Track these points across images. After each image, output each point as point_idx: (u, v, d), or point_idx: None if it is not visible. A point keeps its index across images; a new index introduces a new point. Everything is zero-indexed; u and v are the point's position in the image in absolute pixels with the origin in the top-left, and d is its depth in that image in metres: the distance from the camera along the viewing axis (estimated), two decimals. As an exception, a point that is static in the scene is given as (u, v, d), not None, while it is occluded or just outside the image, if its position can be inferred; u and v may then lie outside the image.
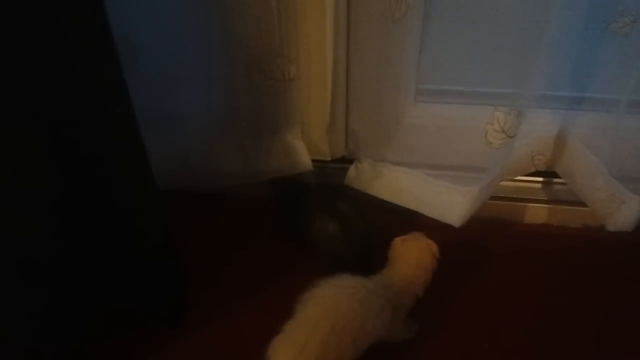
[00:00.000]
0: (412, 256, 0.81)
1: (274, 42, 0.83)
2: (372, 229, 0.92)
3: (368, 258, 0.90)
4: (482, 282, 0.94)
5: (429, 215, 0.91)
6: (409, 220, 0.94)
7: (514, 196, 1.00)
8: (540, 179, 0.98)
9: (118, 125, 0.68)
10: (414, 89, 0.94)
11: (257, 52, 0.84)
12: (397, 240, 0.82)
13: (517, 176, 0.96)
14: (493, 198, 0.93)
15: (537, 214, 1.02)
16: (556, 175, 0.96)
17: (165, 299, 0.90)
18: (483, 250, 0.99)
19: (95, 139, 0.70)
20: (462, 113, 0.92)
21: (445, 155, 0.92)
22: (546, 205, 1.00)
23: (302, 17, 0.82)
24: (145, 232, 0.81)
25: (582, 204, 0.93)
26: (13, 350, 0.72)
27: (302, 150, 0.96)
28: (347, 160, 0.99)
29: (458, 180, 0.89)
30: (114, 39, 0.61)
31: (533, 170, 0.94)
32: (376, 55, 0.84)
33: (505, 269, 0.96)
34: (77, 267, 0.79)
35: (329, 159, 0.98)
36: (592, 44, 0.82)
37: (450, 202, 0.88)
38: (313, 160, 0.97)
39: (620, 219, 0.87)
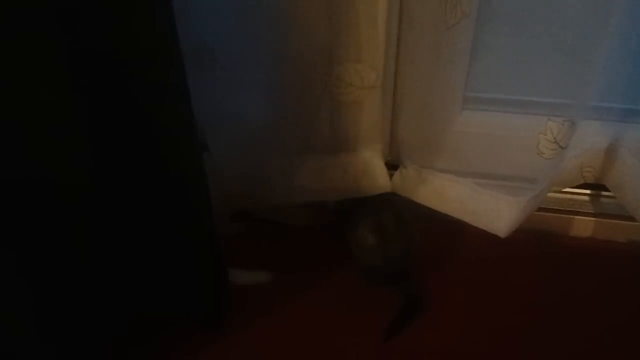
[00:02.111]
0: None
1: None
2: (411, 242, 0.91)
3: (405, 271, 0.91)
4: (524, 295, 0.93)
5: (475, 225, 0.90)
6: (455, 229, 0.94)
7: (560, 208, 0.98)
8: (588, 191, 0.96)
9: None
10: (462, 97, 0.93)
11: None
12: None
13: (565, 188, 0.94)
14: (538, 209, 0.91)
15: (582, 226, 1.00)
16: (603, 188, 0.95)
17: (207, 299, 0.90)
18: (525, 261, 0.97)
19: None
20: (510, 122, 0.92)
21: (492, 164, 0.90)
22: (592, 219, 0.99)
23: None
24: (189, 217, 0.78)
25: (630, 218, 0.92)
26: (45, 346, 0.72)
27: (381, 169, 0.93)
28: (391, 166, 0.98)
29: (505, 190, 0.87)
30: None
31: (582, 182, 0.92)
32: (426, 62, 0.83)
33: (549, 282, 0.95)
34: (115, 261, 0.77)
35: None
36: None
37: (497, 211, 0.87)
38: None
39: (671, 235, 0.86)
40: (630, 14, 0.73)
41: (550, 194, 0.93)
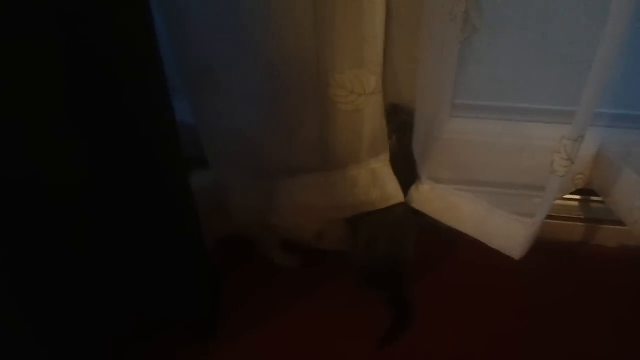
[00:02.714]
0: None
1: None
2: (402, 246, 0.92)
3: (395, 275, 0.92)
4: (517, 300, 0.94)
5: (489, 245, 0.89)
6: (450, 234, 0.93)
7: (551, 214, 0.97)
8: (577, 196, 0.97)
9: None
10: (451, 104, 0.94)
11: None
12: None
13: (560, 197, 0.95)
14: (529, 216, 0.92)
15: (573, 232, 1.01)
16: (592, 193, 0.96)
17: (198, 306, 0.89)
18: (517, 267, 0.97)
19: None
20: (499, 129, 0.92)
21: (489, 172, 0.91)
22: (582, 224, 1.00)
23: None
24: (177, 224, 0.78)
25: (620, 222, 0.93)
26: (40, 348, 0.71)
27: (391, 179, 0.90)
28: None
29: (502, 198, 0.88)
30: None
31: (574, 189, 0.93)
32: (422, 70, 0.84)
33: (541, 287, 0.96)
34: (111, 262, 0.76)
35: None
36: (634, 60, 0.83)
37: (512, 234, 0.86)
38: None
39: (661, 239, 0.87)
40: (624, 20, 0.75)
41: (539, 201, 0.94)
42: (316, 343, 0.89)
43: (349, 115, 0.84)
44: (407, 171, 0.92)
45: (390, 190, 0.91)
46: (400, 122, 0.90)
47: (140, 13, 0.60)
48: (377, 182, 0.90)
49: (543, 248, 0.99)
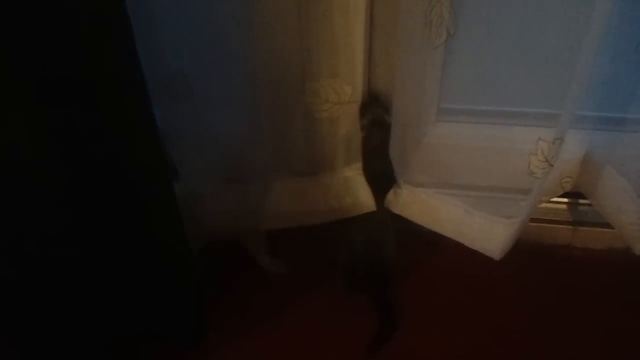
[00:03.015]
0: None
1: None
2: (384, 250, 0.91)
3: (379, 278, 0.92)
4: (503, 304, 0.93)
5: (469, 246, 0.89)
6: (436, 239, 0.93)
7: (538, 217, 0.98)
8: (565, 199, 0.96)
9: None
10: (436, 108, 0.92)
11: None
12: None
13: (546, 200, 0.94)
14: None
15: (561, 235, 1.00)
16: (581, 196, 0.95)
17: (183, 320, 0.88)
18: (504, 270, 0.96)
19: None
20: (485, 133, 0.90)
21: (470, 176, 0.89)
22: (570, 227, 0.99)
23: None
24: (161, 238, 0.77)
25: (607, 225, 0.92)
26: None
27: (364, 188, 0.90)
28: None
29: (481, 200, 0.87)
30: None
31: (561, 192, 0.92)
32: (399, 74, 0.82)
33: (528, 290, 0.95)
34: (89, 282, 0.76)
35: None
36: (621, 63, 0.81)
37: (492, 234, 0.86)
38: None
39: (649, 243, 0.86)
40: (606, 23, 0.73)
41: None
42: (306, 351, 0.88)
43: (324, 123, 0.84)
44: (379, 169, 0.90)
45: (362, 198, 0.91)
46: (374, 116, 0.87)
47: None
48: (349, 190, 0.91)
49: (530, 250, 0.99)
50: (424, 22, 0.74)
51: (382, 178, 0.90)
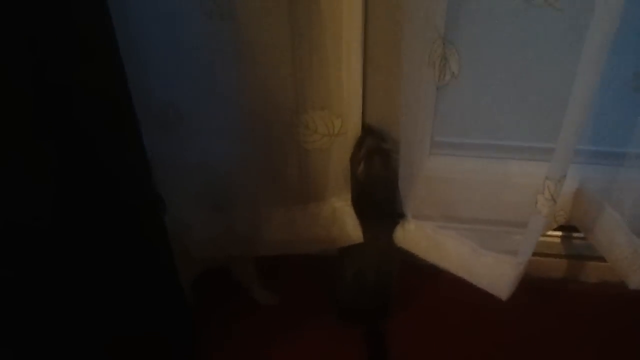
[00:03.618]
0: None
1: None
2: (389, 285, 0.91)
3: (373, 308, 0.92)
4: (497, 335, 0.93)
5: (477, 285, 0.88)
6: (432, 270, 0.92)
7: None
8: (559, 233, 0.97)
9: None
10: (430, 141, 0.93)
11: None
12: None
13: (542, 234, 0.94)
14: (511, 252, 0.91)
15: (554, 267, 1.00)
16: (574, 230, 0.95)
17: (178, 322, 0.87)
18: (498, 303, 0.96)
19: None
20: (479, 166, 0.91)
21: (471, 208, 0.90)
22: (564, 260, 0.99)
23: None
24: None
25: (601, 258, 0.92)
26: None
27: (351, 219, 0.90)
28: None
29: (487, 236, 0.87)
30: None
31: (555, 226, 0.92)
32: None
33: (522, 322, 0.95)
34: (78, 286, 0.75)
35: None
36: (614, 97, 0.82)
37: (499, 274, 0.86)
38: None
39: (644, 277, 0.86)
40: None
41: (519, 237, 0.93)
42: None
43: (313, 154, 0.85)
44: (375, 202, 0.90)
45: (349, 229, 0.90)
46: (369, 148, 0.87)
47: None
48: (336, 220, 0.91)
49: (524, 283, 0.98)
50: (427, 62, 0.75)
51: (382, 206, 0.89)
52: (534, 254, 0.97)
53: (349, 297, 0.92)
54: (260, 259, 0.97)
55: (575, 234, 0.96)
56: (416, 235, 0.92)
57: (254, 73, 0.78)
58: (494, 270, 0.86)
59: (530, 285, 0.99)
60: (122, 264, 0.75)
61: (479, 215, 0.90)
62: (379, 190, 0.86)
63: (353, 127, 0.85)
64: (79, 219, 0.68)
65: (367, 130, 0.87)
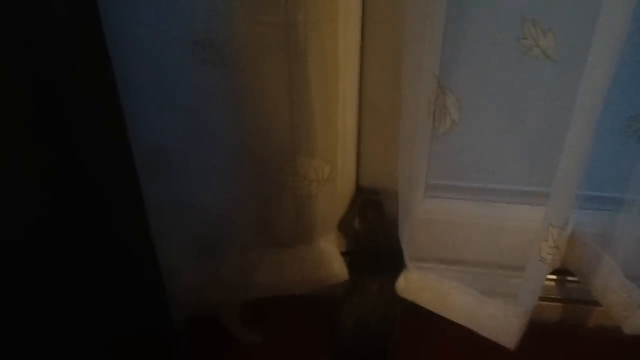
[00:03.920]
0: None
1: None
2: (391, 332, 0.90)
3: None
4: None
5: (482, 334, 0.87)
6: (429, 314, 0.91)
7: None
8: (554, 276, 0.96)
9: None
10: (424, 184, 0.92)
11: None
12: None
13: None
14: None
15: (550, 312, 0.99)
16: (569, 273, 0.94)
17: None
18: (495, 348, 0.95)
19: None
20: (473, 209, 0.91)
21: (469, 252, 0.90)
22: (560, 304, 0.98)
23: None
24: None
25: (596, 303, 0.91)
26: None
27: (337, 258, 0.91)
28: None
29: (482, 278, 0.87)
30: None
31: (550, 270, 0.91)
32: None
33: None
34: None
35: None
36: (607, 143, 0.83)
37: (505, 324, 0.85)
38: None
39: (638, 322, 0.85)
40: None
41: (516, 280, 0.92)
42: None
43: (302, 200, 0.86)
44: (375, 254, 0.91)
45: (335, 268, 0.91)
46: (362, 201, 0.90)
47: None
48: (323, 261, 0.91)
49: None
50: (427, 111, 0.76)
51: (383, 257, 0.90)
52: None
53: (348, 342, 0.91)
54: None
55: (570, 278, 0.95)
56: (419, 286, 0.91)
57: (246, 120, 0.79)
58: (499, 320, 0.85)
59: (528, 330, 0.98)
60: (122, 263, 0.75)
61: (478, 259, 0.90)
62: (376, 241, 0.87)
63: (344, 173, 0.86)
64: (78, 218, 0.69)
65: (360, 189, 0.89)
